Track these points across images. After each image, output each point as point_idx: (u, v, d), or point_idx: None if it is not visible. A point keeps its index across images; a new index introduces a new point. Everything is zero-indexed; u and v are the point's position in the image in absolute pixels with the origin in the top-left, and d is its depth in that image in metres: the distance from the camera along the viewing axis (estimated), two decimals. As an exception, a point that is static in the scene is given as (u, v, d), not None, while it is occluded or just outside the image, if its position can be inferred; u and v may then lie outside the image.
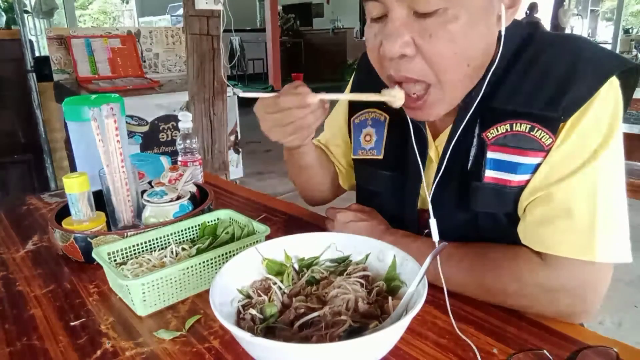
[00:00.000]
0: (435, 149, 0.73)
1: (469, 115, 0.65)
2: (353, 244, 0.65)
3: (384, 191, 0.80)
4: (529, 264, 0.61)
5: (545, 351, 0.43)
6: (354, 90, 0.87)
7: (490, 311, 0.63)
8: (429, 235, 0.62)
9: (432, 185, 0.68)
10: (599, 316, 2.03)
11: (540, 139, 0.61)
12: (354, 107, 0.86)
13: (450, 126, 0.69)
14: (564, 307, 0.60)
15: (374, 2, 0.60)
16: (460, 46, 0.58)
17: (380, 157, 0.80)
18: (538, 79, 0.62)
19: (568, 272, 0.59)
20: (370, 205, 0.82)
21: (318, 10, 12.24)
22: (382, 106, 0.79)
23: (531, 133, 0.61)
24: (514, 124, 0.62)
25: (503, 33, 0.61)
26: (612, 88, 0.59)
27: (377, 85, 0.75)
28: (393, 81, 0.65)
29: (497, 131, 0.64)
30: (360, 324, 0.52)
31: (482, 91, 0.63)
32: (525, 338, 0.57)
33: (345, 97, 0.77)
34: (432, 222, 0.60)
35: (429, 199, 0.63)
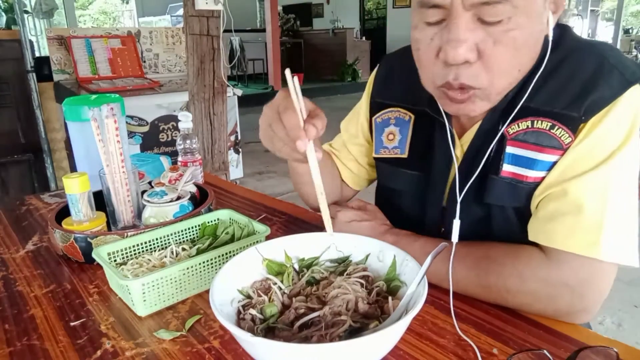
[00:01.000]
0: (461, 147, 0.73)
1: (494, 115, 0.66)
2: (353, 244, 0.65)
3: (407, 190, 0.80)
4: (531, 260, 0.62)
5: (545, 351, 0.43)
6: (373, 96, 0.86)
7: (491, 311, 0.63)
8: (444, 234, 0.61)
9: (455, 184, 0.68)
10: (599, 316, 2.03)
11: (560, 137, 0.62)
12: (376, 106, 0.85)
13: (477, 124, 0.69)
14: (563, 304, 0.60)
15: (435, 10, 0.59)
16: (520, 52, 0.59)
17: (405, 155, 0.80)
18: (563, 80, 0.63)
19: (570, 267, 0.59)
20: (391, 203, 0.82)
21: (318, 11, 12.25)
22: (407, 105, 0.80)
23: (551, 131, 0.62)
24: (535, 121, 0.63)
25: (550, 38, 0.62)
26: (634, 95, 0.61)
27: (396, 93, 0.75)
28: (437, 87, 0.64)
29: (518, 127, 0.65)
30: (360, 324, 0.52)
31: (526, 95, 0.63)
32: (525, 338, 0.57)
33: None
34: (456, 223, 0.61)
35: (459, 198, 0.64)
